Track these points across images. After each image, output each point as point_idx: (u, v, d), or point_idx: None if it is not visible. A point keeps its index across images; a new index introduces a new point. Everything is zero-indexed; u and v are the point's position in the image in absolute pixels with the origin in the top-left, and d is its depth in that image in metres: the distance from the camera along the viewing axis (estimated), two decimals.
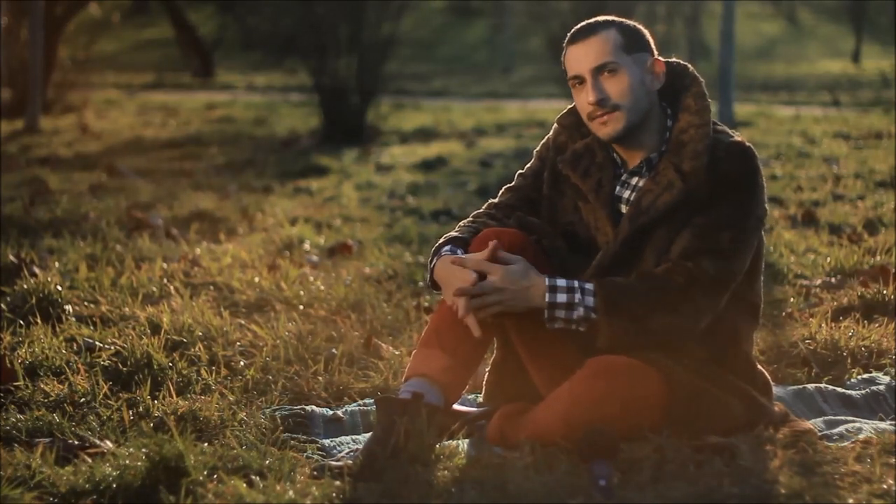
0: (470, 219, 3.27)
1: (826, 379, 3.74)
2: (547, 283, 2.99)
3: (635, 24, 3.13)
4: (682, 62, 3.18)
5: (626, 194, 3.11)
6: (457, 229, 3.22)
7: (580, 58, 3.07)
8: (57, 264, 5.22)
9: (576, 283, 2.99)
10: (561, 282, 2.99)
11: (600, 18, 3.12)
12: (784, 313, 4.44)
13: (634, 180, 3.11)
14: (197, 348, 3.93)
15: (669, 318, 2.97)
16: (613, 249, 3.06)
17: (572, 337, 3.07)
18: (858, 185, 7.91)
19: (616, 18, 3.12)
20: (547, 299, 2.98)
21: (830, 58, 28.65)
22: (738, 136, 3.08)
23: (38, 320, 4.20)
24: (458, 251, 3.11)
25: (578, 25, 3.11)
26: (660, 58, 3.11)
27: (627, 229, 3.05)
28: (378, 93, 12.56)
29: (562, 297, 2.98)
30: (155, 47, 29.90)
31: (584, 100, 3.07)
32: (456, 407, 3.20)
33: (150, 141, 12.26)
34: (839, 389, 3.58)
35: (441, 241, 3.18)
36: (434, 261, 3.12)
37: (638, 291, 2.97)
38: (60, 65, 15.79)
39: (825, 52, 30.39)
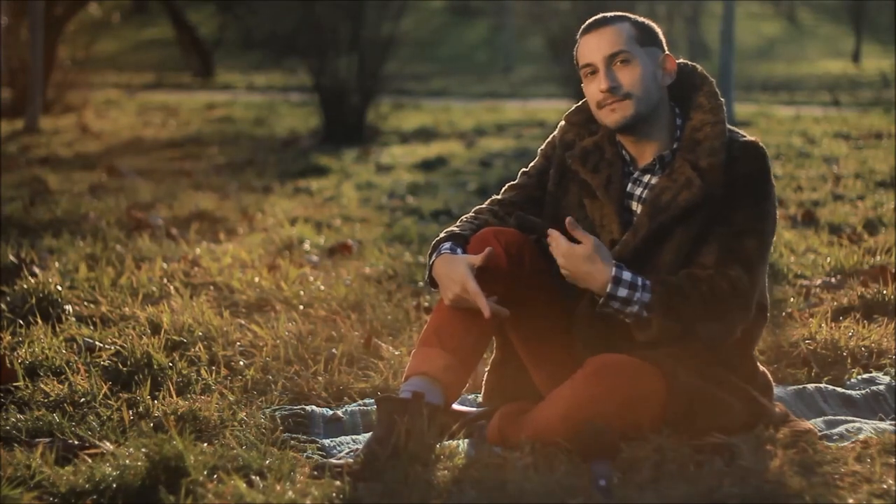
0: (472, 214, 3.27)
1: (826, 379, 3.74)
2: (613, 273, 2.98)
3: (649, 21, 3.15)
4: (690, 63, 3.20)
5: (638, 191, 3.11)
6: (458, 224, 3.22)
7: (593, 47, 3.08)
8: (57, 264, 5.21)
9: (639, 280, 2.98)
10: (626, 275, 2.98)
11: (614, 13, 3.14)
12: (784, 313, 4.44)
13: (647, 178, 3.11)
14: (197, 348, 3.93)
15: (716, 325, 2.98)
16: (634, 245, 3.05)
17: (577, 330, 3.08)
18: (858, 185, 7.91)
19: (629, 14, 3.14)
20: (608, 290, 2.98)
21: (830, 58, 28.65)
22: (749, 136, 3.09)
23: (38, 320, 4.20)
24: (458, 249, 3.11)
25: (593, 18, 3.13)
26: (671, 55, 3.12)
27: (647, 226, 3.04)
28: (378, 93, 12.56)
29: (623, 292, 2.98)
30: (155, 47, 29.91)
31: (596, 88, 3.07)
32: (456, 407, 3.20)
33: (150, 141, 12.26)
34: (839, 389, 3.58)
35: (441, 236, 3.17)
36: (434, 257, 3.12)
37: (691, 295, 2.97)
38: (60, 65, 15.80)
39: (825, 52, 30.39)
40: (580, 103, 3.23)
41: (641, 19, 3.13)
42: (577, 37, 3.14)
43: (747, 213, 3.01)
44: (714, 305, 2.97)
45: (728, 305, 2.98)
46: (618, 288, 2.98)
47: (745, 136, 3.09)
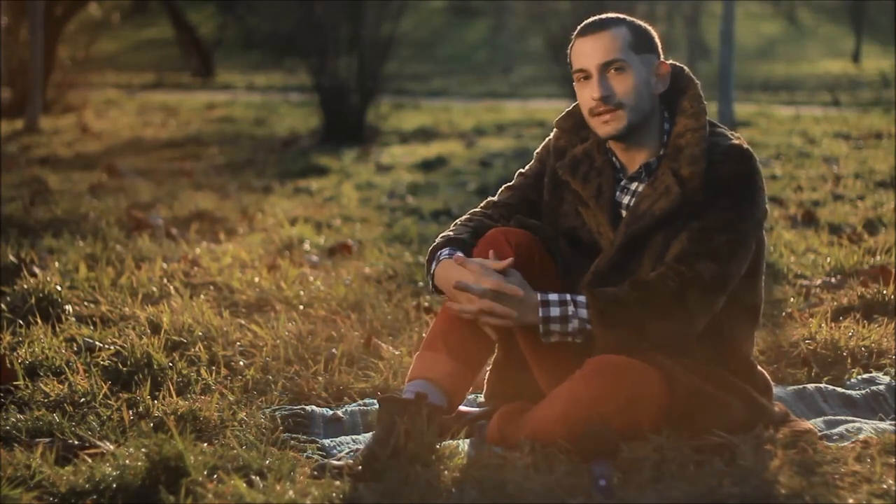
0: (466, 216, 3.25)
1: (826, 379, 3.74)
2: (539, 297, 2.98)
3: (646, 24, 3.12)
4: (677, 64, 3.16)
5: (626, 200, 3.10)
6: (452, 228, 3.20)
7: (588, 52, 3.04)
8: (57, 264, 5.21)
9: (568, 297, 2.98)
10: (553, 296, 2.98)
11: (612, 15, 3.09)
12: (784, 313, 4.44)
13: (634, 186, 3.10)
14: (197, 348, 3.93)
15: (664, 323, 2.96)
16: (610, 255, 3.05)
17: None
18: (858, 185, 7.91)
19: (628, 17, 3.09)
20: (540, 314, 2.97)
21: (830, 58, 28.64)
22: (736, 139, 3.06)
23: (38, 320, 4.20)
24: (457, 254, 3.09)
25: (590, 19, 3.08)
26: (665, 61, 3.10)
27: (623, 235, 3.04)
28: (378, 93, 12.56)
29: (555, 311, 2.97)
30: (155, 47, 29.90)
31: (588, 95, 3.05)
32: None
33: (150, 141, 12.26)
34: (839, 389, 3.58)
35: (438, 241, 3.16)
36: (434, 265, 3.11)
37: (631, 300, 2.96)
38: (60, 65, 15.80)
39: (825, 52, 30.38)
40: (571, 108, 3.20)
41: (639, 23, 3.09)
42: (572, 36, 3.11)
43: (724, 212, 2.98)
44: (657, 305, 2.94)
45: (675, 302, 2.95)
46: (549, 309, 2.97)
47: (731, 140, 3.04)
